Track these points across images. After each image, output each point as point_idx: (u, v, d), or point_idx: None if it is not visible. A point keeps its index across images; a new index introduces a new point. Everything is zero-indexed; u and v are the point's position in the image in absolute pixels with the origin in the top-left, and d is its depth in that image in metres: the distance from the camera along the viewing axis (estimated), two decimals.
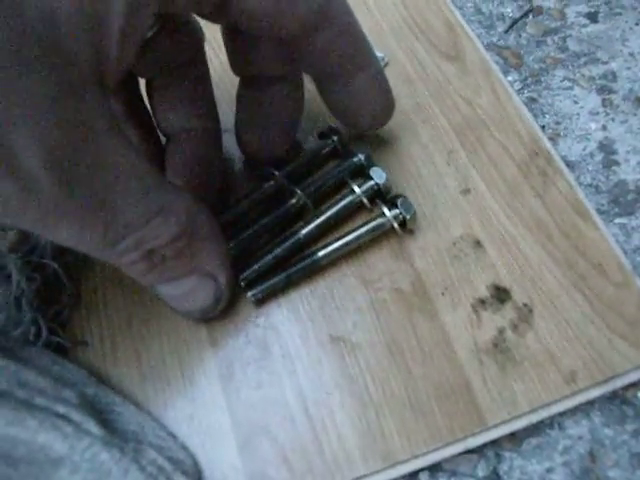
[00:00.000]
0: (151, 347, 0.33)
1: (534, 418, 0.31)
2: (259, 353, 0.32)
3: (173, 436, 0.30)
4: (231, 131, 0.39)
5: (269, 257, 0.34)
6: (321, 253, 0.34)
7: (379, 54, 0.43)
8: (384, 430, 0.31)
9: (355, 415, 0.31)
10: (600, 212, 0.39)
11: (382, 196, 0.36)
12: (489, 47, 0.47)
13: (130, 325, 0.34)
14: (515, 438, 0.32)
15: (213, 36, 0.45)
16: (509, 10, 0.50)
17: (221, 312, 0.33)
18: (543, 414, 0.31)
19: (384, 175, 0.35)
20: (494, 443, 0.31)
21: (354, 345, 0.33)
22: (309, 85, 0.38)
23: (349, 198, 0.35)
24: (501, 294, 0.34)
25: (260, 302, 0.33)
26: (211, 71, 0.38)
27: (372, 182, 0.35)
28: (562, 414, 0.32)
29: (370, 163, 0.37)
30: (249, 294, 0.33)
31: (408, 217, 0.34)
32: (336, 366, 0.32)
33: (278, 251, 0.34)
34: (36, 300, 0.33)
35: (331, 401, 0.31)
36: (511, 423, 0.31)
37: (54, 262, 0.34)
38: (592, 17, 0.48)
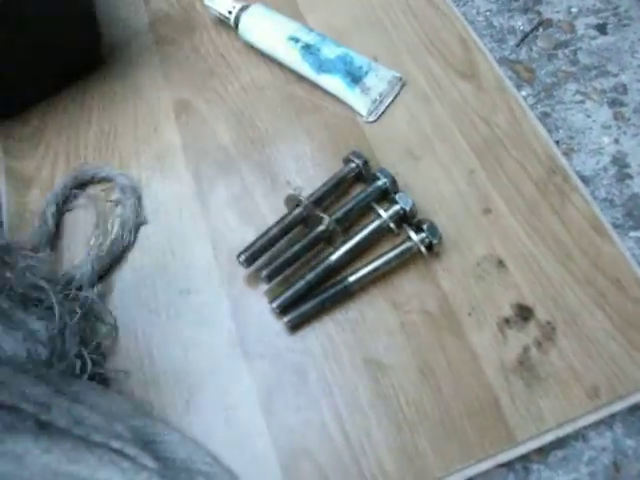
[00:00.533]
0: (191, 376, 0.34)
1: (560, 432, 0.32)
2: (296, 378, 0.34)
3: (219, 462, 0.31)
4: (259, 156, 0.40)
5: (302, 283, 0.35)
6: (352, 278, 0.35)
7: (396, 74, 0.44)
8: (419, 448, 0.32)
9: (391, 435, 0.32)
10: (615, 226, 0.40)
11: (408, 220, 0.37)
12: (502, 61, 0.48)
13: (170, 355, 0.35)
14: (542, 450, 0.33)
15: (235, 62, 0.46)
16: (519, 23, 0.50)
17: (257, 339, 0.34)
18: (568, 428, 0.32)
19: (410, 201, 0.36)
20: (522, 456, 0.33)
21: (387, 367, 0.34)
22: (334, 109, 0.39)
23: (376, 223, 0.36)
24: (525, 313, 0.36)
25: (295, 328, 0.35)
26: (230, 93, 0.38)
27: (398, 207, 0.36)
28: (586, 426, 0.34)
29: (394, 187, 0.38)
30: (285, 320, 0.34)
31: (435, 241, 0.35)
32: (370, 388, 0.33)
33: (310, 277, 0.35)
34: (78, 333, 0.34)
35: (367, 422, 0.33)
36: (539, 438, 0.32)
37: (93, 294, 0.36)
38: (601, 29, 0.49)
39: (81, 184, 0.41)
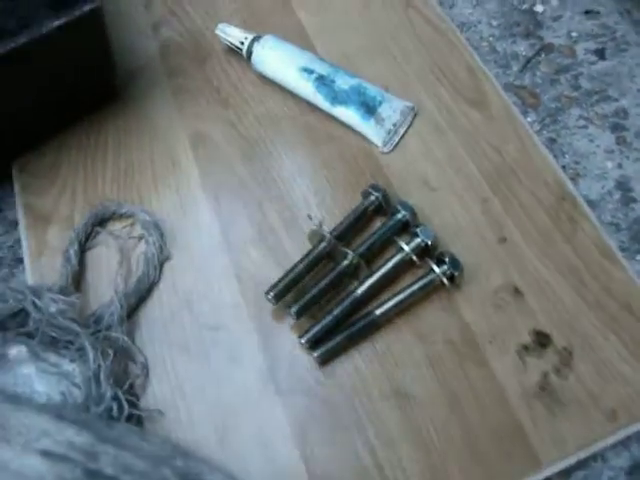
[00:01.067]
0: (225, 412, 0.35)
1: (582, 455, 0.34)
2: (328, 411, 0.35)
3: None
4: (278, 190, 0.41)
5: (330, 318, 0.36)
6: (378, 312, 0.36)
7: (409, 103, 0.45)
8: (449, 476, 0.33)
9: (422, 463, 0.34)
10: (622, 249, 0.42)
11: (429, 253, 0.38)
12: (507, 87, 0.49)
13: (203, 391, 0.35)
14: (563, 471, 0.35)
15: (249, 93, 0.47)
16: (522, 48, 0.52)
17: (288, 373, 0.35)
18: (589, 451, 0.34)
19: (431, 234, 0.38)
20: (546, 479, 0.35)
21: (414, 397, 0.35)
22: (349, 140, 0.40)
23: (399, 256, 0.38)
24: (542, 339, 0.37)
25: (324, 362, 0.36)
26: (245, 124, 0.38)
27: (419, 240, 0.38)
28: (604, 447, 0.35)
29: (415, 219, 0.39)
30: (314, 355, 0.35)
31: (456, 274, 0.37)
32: (400, 418, 0.35)
33: (337, 311, 0.36)
34: (112, 374, 0.34)
35: (399, 452, 0.34)
36: (561, 461, 0.34)
37: (122, 333, 0.36)
38: (600, 54, 0.51)
39: (102, 221, 0.41)
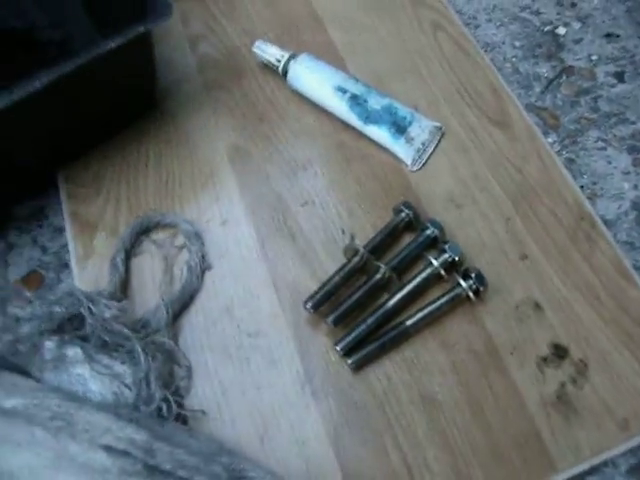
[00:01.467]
0: (264, 413, 0.38)
1: (595, 461, 0.37)
2: (360, 414, 0.37)
3: None
4: (312, 204, 0.43)
5: (363, 327, 0.38)
6: (409, 322, 0.39)
7: (437, 124, 0.47)
8: (471, 476, 0.36)
9: (447, 465, 0.36)
10: (636, 268, 0.44)
11: (456, 268, 0.40)
12: (528, 108, 0.52)
13: (243, 394, 0.38)
14: (577, 476, 0.38)
15: (284, 108, 0.49)
16: (544, 70, 0.54)
17: (323, 378, 0.38)
18: (602, 457, 0.37)
19: (459, 250, 0.40)
20: None
21: (440, 403, 0.38)
22: (380, 158, 0.42)
23: (428, 270, 0.40)
24: (560, 352, 0.40)
25: (357, 368, 0.38)
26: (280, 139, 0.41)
27: (448, 255, 0.40)
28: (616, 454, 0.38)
29: (443, 236, 0.41)
30: (349, 362, 0.38)
31: (482, 289, 0.39)
32: (427, 422, 0.37)
33: (370, 321, 0.39)
34: (160, 376, 0.37)
35: (425, 454, 0.37)
36: (576, 467, 0.37)
37: (168, 338, 0.39)
38: (619, 77, 0.53)
39: (146, 230, 0.43)
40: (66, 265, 0.45)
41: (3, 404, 0.34)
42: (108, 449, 0.32)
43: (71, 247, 0.44)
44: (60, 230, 0.47)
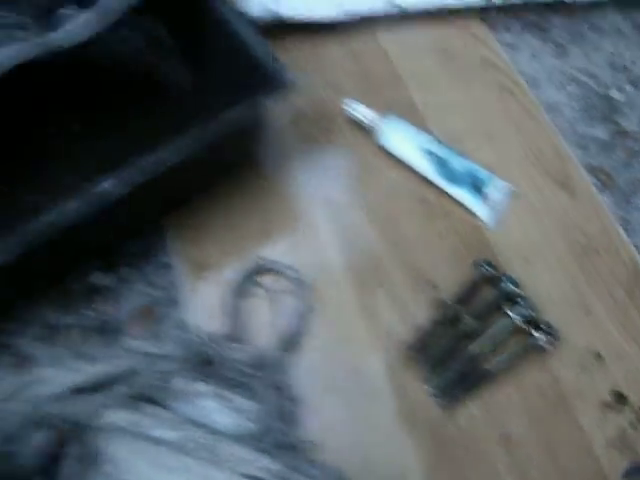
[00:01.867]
0: (364, 445, 0.43)
1: None
2: (450, 450, 0.43)
3: None
4: (400, 264, 0.48)
5: (452, 371, 0.44)
6: (490, 367, 0.44)
7: (509, 185, 0.53)
8: None
9: None
10: None
11: (530, 320, 0.46)
12: (586, 167, 0.57)
13: (346, 427, 0.43)
14: None
15: (370, 163, 0.53)
16: (599, 131, 0.59)
17: (419, 416, 0.43)
18: None
19: (533, 305, 0.46)
20: None
21: (517, 442, 0.44)
22: (460, 215, 0.47)
23: (506, 322, 0.46)
24: (620, 399, 0.45)
25: (446, 407, 0.44)
26: (369, 194, 0.47)
27: (523, 309, 0.46)
28: None
29: (519, 290, 0.47)
30: (439, 401, 0.44)
31: (554, 341, 0.45)
32: (505, 459, 0.43)
33: (458, 366, 0.44)
34: (277, 411, 0.42)
35: None
36: None
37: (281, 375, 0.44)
38: None
39: (255, 274, 0.48)
40: (174, 301, 0.50)
41: (152, 433, 0.39)
42: (249, 477, 0.37)
43: (180, 285, 0.49)
44: (167, 266, 0.52)
